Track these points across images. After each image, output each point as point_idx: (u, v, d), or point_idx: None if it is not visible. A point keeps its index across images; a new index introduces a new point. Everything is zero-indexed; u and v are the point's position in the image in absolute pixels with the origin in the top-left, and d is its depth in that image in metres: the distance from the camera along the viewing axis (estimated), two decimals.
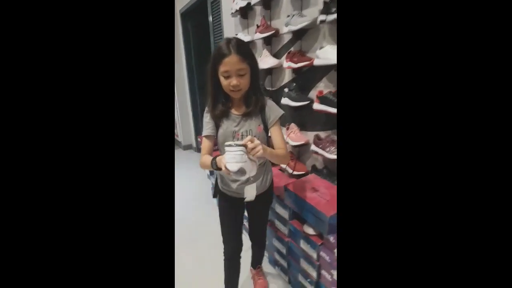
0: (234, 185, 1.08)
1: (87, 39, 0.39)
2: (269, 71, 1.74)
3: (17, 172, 0.36)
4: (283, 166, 1.55)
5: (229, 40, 0.92)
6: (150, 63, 0.45)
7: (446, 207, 0.34)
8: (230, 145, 0.81)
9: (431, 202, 0.35)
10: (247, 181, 1.06)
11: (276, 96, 1.69)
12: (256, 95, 1.02)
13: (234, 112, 1.04)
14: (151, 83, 0.45)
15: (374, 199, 0.39)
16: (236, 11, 1.86)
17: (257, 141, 0.83)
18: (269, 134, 1.08)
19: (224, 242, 1.23)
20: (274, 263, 1.61)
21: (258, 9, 1.75)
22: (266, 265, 1.64)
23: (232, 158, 0.81)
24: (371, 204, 0.39)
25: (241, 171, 0.84)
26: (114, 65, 0.41)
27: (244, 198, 1.12)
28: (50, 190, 0.38)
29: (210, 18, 2.56)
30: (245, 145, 0.82)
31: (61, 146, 0.39)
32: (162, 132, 0.47)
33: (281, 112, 1.05)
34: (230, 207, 1.18)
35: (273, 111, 1.05)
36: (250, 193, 1.09)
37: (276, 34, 1.58)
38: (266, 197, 1.21)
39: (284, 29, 1.42)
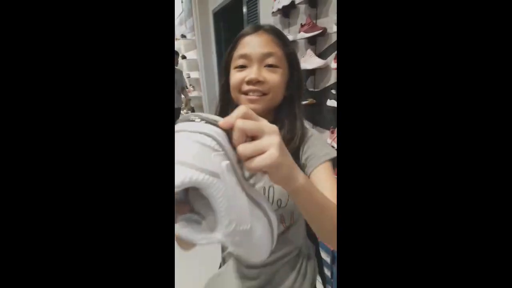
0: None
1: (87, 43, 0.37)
2: (312, 71, 1.67)
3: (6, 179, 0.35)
4: None
5: (259, 25, 0.55)
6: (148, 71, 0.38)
7: (449, 207, 0.32)
8: (188, 119, 0.31)
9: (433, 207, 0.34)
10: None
11: (320, 98, 1.63)
12: (293, 129, 0.55)
13: None
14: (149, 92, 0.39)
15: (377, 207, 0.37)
16: (278, 10, 1.81)
17: (263, 122, 0.29)
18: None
19: None
20: None
21: (302, 7, 1.70)
22: None
23: (184, 153, 0.27)
24: (373, 208, 0.38)
25: (200, 206, 0.30)
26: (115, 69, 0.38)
27: None
28: (44, 190, 0.35)
29: (245, 17, 2.53)
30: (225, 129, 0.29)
31: (60, 147, 0.37)
32: (161, 142, 0.39)
33: (332, 153, 0.53)
34: None
35: (316, 147, 0.54)
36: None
37: (323, 33, 1.52)
38: None
39: (334, 28, 1.35)
